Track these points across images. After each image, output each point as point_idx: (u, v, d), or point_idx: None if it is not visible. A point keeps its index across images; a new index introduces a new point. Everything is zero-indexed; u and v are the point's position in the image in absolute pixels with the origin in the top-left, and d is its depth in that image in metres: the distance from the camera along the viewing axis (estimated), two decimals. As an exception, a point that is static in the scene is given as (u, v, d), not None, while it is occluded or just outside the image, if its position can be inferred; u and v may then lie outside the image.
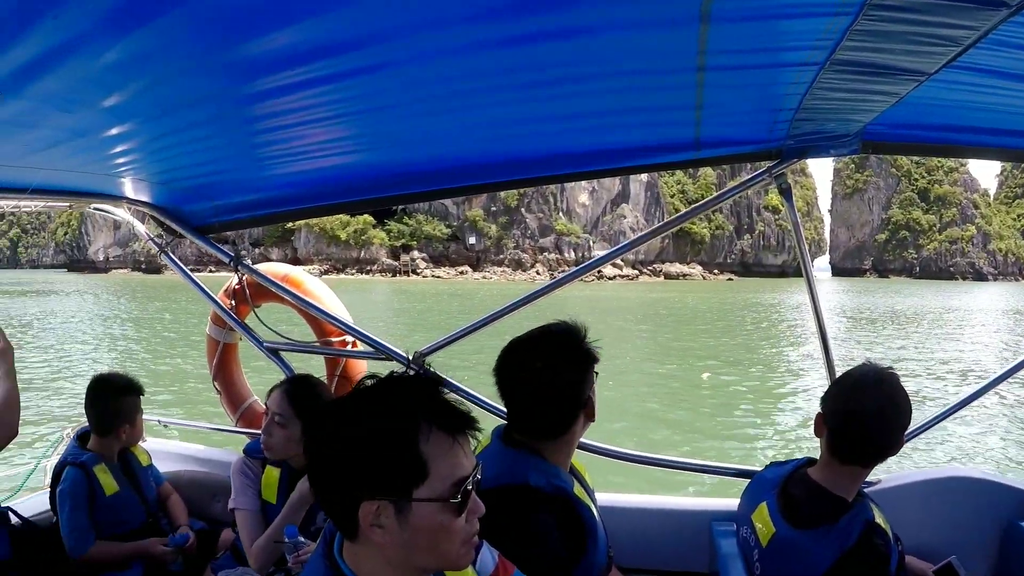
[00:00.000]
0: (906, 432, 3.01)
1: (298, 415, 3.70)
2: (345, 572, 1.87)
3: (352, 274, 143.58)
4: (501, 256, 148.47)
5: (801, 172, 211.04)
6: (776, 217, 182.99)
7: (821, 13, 2.02)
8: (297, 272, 5.56)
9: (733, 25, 2.19)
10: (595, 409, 2.93)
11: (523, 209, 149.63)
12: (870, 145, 3.53)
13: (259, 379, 6.31)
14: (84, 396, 4.62)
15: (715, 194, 4.14)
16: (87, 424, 4.69)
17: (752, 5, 2.07)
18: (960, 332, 44.48)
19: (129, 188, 4.65)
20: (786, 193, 3.77)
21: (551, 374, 2.80)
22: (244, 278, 5.37)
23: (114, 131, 3.19)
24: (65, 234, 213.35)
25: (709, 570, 4.00)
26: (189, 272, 5.30)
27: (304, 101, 2.86)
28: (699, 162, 3.92)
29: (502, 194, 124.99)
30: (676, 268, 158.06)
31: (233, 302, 5.57)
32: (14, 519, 4.21)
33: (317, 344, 5.46)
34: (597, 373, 2.93)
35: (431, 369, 4.41)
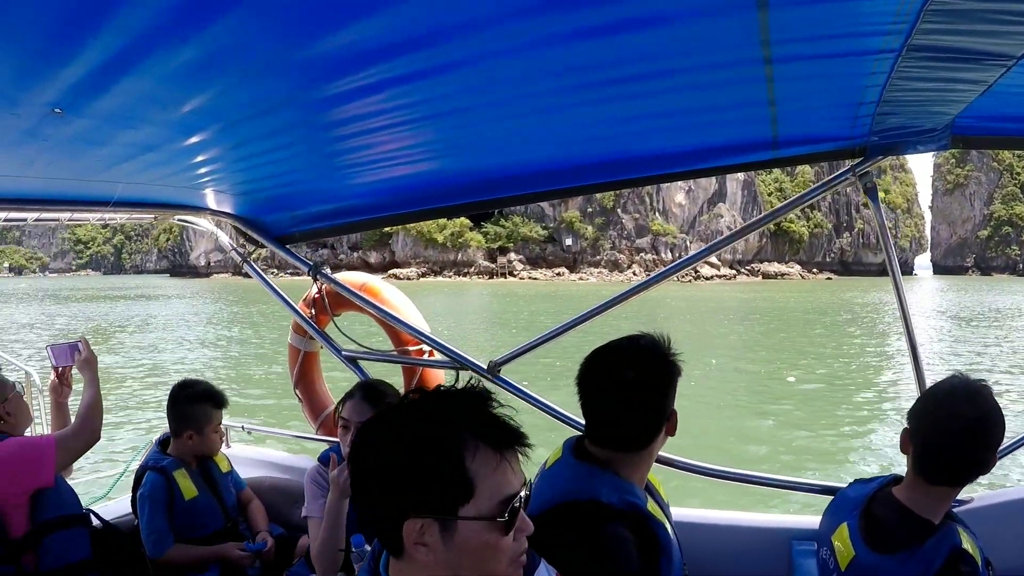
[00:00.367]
0: (1000, 449, 2.79)
1: None
2: None
3: (449, 276, 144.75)
4: (598, 257, 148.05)
5: (901, 168, 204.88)
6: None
7: None
8: (375, 281, 5.57)
9: (794, 10, 2.04)
10: (677, 423, 2.80)
11: (619, 210, 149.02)
12: (960, 139, 3.29)
13: (338, 388, 6.35)
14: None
15: (797, 195, 3.95)
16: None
17: None
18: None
19: (211, 199, 4.73)
20: (871, 193, 3.53)
21: (638, 386, 2.69)
22: (323, 287, 5.43)
23: (187, 143, 3.22)
24: (167, 240, 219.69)
25: None
26: (271, 282, 5.34)
27: (380, 105, 2.80)
28: (778, 162, 3.72)
29: (598, 195, 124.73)
30: (774, 268, 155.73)
31: (313, 311, 5.61)
32: (95, 521, 4.27)
33: (394, 353, 5.42)
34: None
35: (506, 378, 4.36)
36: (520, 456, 1.84)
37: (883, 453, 15.84)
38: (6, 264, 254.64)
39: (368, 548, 3.17)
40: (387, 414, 1.83)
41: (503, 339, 37.68)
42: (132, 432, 16.39)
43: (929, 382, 3.51)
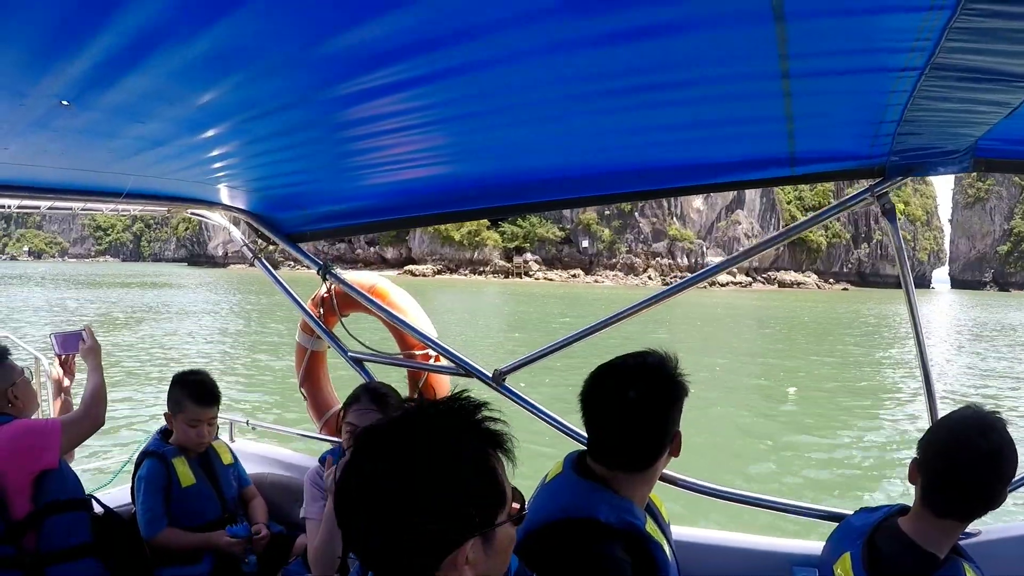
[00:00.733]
0: (1012, 482, 2.72)
1: None
2: None
3: (465, 275, 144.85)
4: (614, 260, 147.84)
5: (921, 179, 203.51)
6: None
7: (913, 7, 1.78)
8: (384, 283, 5.57)
9: (812, 23, 1.98)
10: (681, 444, 2.76)
11: (636, 214, 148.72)
12: (982, 162, 3.20)
13: (344, 388, 6.33)
14: None
15: (812, 214, 3.86)
16: None
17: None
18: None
19: (224, 195, 4.77)
20: (890, 215, 3.44)
21: (643, 406, 2.64)
22: (332, 287, 5.43)
23: (198, 139, 3.22)
24: (186, 230, 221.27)
25: None
26: (282, 280, 5.35)
27: (393, 107, 2.78)
28: (795, 179, 3.66)
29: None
30: (791, 276, 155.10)
31: (321, 311, 5.60)
32: (97, 507, 4.32)
33: (400, 357, 5.43)
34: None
35: (509, 387, 4.33)
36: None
37: (879, 476, 15.49)
38: (26, 248, 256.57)
39: None
40: (396, 439, 1.73)
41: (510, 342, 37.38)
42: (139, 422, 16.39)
43: (939, 401, 3.50)
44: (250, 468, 5.24)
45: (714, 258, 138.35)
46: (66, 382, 4.77)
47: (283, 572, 4.23)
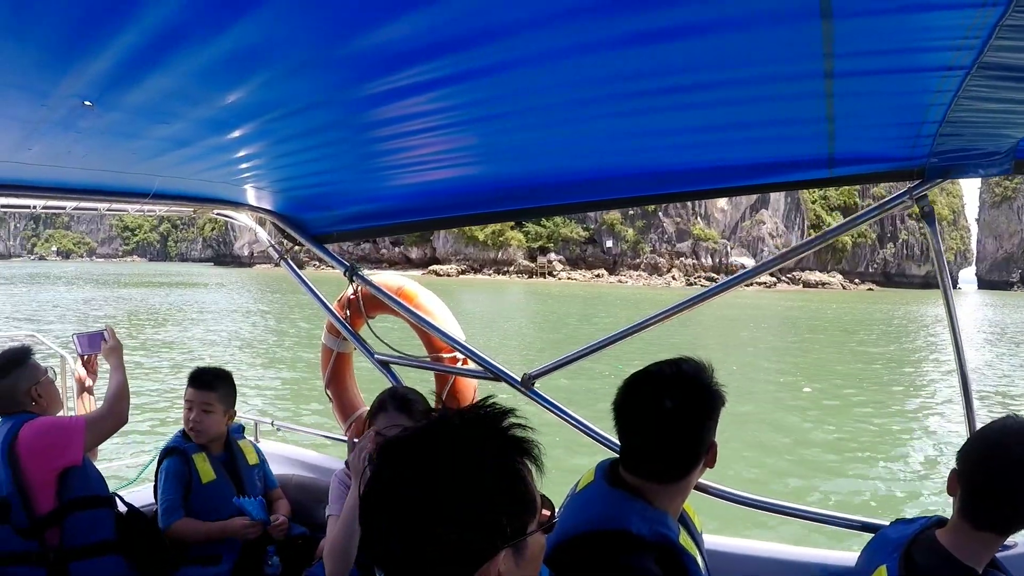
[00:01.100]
0: None
1: None
2: None
3: (489, 275, 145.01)
4: (637, 260, 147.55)
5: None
6: (920, 226, 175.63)
7: (964, 5, 1.73)
8: (411, 285, 5.51)
9: (860, 21, 1.92)
10: (716, 455, 2.69)
11: (660, 213, 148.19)
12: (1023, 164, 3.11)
13: (370, 390, 6.31)
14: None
15: (850, 217, 3.76)
16: None
17: None
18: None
19: (250, 195, 4.77)
20: (928, 217, 3.35)
21: (679, 415, 2.57)
22: (359, 289, 5.41)
23: (223, 140, 3.22)
24: (212, 230, 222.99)
25: None
26: (308, 281, 5.35)
27: (420, 107, 2.75)
28: (832, 181, 3.57)
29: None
30: (816, 276, 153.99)
31: (347, 312, 5.58)
32: (121, 506, 4.36)
33: (428, 360, 5.37)
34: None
35: (539, 391, 4.27)
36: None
37: (917, 483, 14.67)
38: (54, 248, 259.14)
39: None
40: (419, 448, 1.68)
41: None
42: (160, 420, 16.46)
43: (977, 403, 3.38)
44: (275, 469, 5.23)
45: (738, 258, 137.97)
46: (89, 382, 4.82)
47: (306, 574, 4.21)
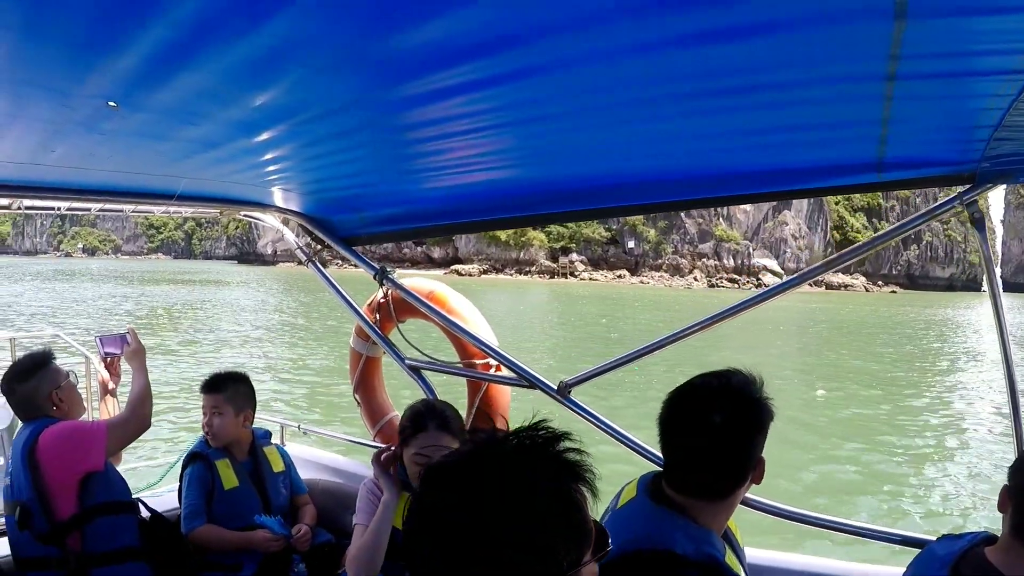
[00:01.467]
0: None
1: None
2: None
3: (511, 275, 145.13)
4: (659, 261, 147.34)
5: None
6: (945, 227, 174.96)
7: None
8: (443, 289, 5.45)
9: (932, 22, 1.84)
10: (764, 471, 2.57)
11: (683, 214, 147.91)
12: None
13: (397, 395, 6.27)
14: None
15: (899, 222, 3.63)
16: None
17: None
18: None
19: (278, 197, 4.72)
20: (979, 224, 3.23)
21: (727, 431, 2.46)
22: (389, 293, 5.36)
23: (252, 142, 3.17)
24: (236, 228, 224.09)
25: None
26: (337, 285, 5.30)
27: (459, 109, 2.69)
28: (880, 186, 3.43)
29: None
30: (838, 279, 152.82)
31: (377, 316, 5.54)
32: (144, 511, 4.37)
33: (460, 366, 5.28)
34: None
35: (576, 400, 4.17)
36: None
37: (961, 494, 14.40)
38: (80, 245, 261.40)
39: None
40: (466, 472, 1.59)
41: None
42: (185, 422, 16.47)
43: None
44: (301, 473, 5.19)
45: (760, 260, 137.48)
46: (111, 384, 4.80)
47: None
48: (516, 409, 4.99)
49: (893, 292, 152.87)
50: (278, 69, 2.26)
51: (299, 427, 6.06)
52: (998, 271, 3.52)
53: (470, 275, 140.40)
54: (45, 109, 2.60)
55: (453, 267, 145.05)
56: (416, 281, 5.43)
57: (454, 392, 4.17)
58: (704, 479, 2.51)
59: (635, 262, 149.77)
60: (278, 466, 4.91)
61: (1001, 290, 3.34)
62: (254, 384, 4.85)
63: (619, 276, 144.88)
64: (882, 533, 3.62)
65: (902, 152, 3.07)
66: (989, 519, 12.21)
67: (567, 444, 1.63)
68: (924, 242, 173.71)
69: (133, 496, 4.30)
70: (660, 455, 2.64)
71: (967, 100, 2.44)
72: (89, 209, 4.60)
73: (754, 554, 3.54)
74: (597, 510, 1.68)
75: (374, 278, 5.15)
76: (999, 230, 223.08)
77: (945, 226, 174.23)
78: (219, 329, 38.51)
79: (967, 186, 3.21)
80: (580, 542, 1.56)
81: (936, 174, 3.25)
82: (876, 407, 23.15)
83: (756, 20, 1.90)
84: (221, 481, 4.57)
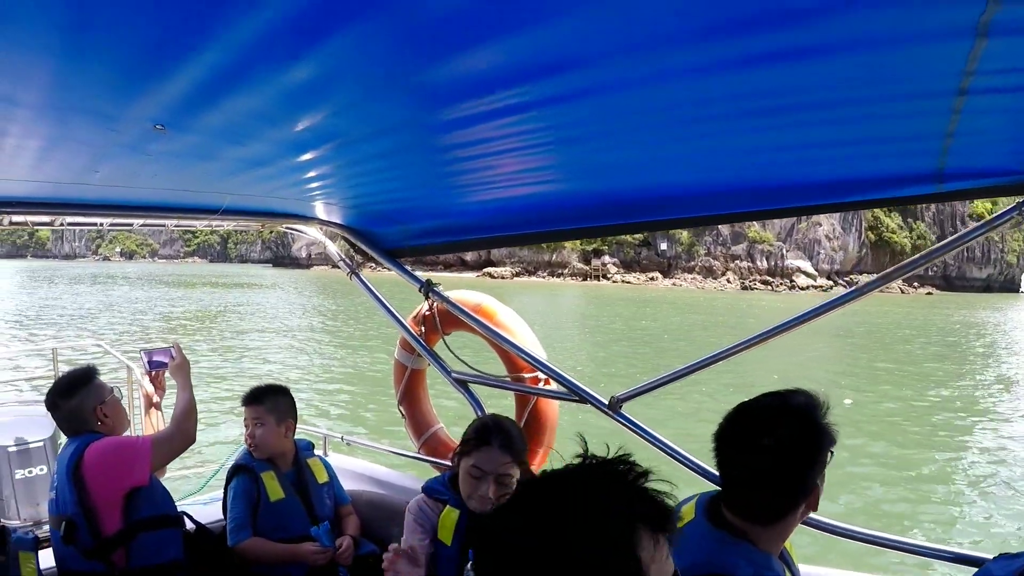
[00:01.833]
0: None
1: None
2: None
3: (543, 277, 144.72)
4: (692, 263, 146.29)
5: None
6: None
7: None
8: (490, 302, 5.42)
9: (1012, 39, 1.80)
10: (819, 498, 2.49)
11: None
12: None
13: (442, 407, 6.27)
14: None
15: (956, 235, 3.54)
16: None
17: None
18: None
19: (320, 210, 4.76)
20: None
21: (778, 455, 2.40)
22: (435, 305, 5.36)
23: (299, 160, 3.19)
24: (271, 233, 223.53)
25: None
26: (381, 297, 5.31)
27: (504, 130, 2.69)
28: (939, 197, 3.38)
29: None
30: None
31: (423, 328, 5.53)
32: (189, 524, 4.40)
33: (508, 379, 5.25)
34: (832, 453, 2.48)
35: (627, 415, 4.13)
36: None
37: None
38: (118, 249, 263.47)
39: None
40: (547, 498, 1.53)
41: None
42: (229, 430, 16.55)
43: None
44: (344, 484, 5.20)
45: (794, 261, 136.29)
46: (156, 398, 4.82)
47: None
48: (566, 423, 4.99)
49: (929, 293, 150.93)
50: (328, 92, 2.28)
51: (342, 438, 6.06)
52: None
53: (502, 278, 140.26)
54: (91, 133, 2.63)
55: (485, 270, 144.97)
56: (462, 294, 5.42)
57: (500, 406, 4.14)
58: (754, 503, 2.47)
59: (667, 264, 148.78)
60: (322, 477, 4.92)
61: (1000, 267, 3.25)
62: (295, 396, 4.88)
63: (651, 278, 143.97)
64: (936, 551, 3.56)
65: (963, 163, 3.02)
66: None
67: (652, 484, 1.58)
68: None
69: (179, 510, 4.33)
70: (715, 472, 2.60)
71: None
72: (132, 224, 4.65)
73: (808, 571, 3.48)
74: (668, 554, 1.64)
75: (419, 290, 5.16)
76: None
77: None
78: (253, 335, 38.75)
79: None
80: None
81: (996, 184, 3.20)
82: (920, 417, 22.70)
83: (827, 41, 1.88)
84: (267, 493, 4.59)
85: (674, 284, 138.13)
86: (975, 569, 3.04)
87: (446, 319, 5.40)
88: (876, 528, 3.72)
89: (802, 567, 2.95)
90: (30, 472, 6.61)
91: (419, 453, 6.02)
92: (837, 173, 3.29)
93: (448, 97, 2.35)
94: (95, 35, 1.73)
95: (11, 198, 3.91)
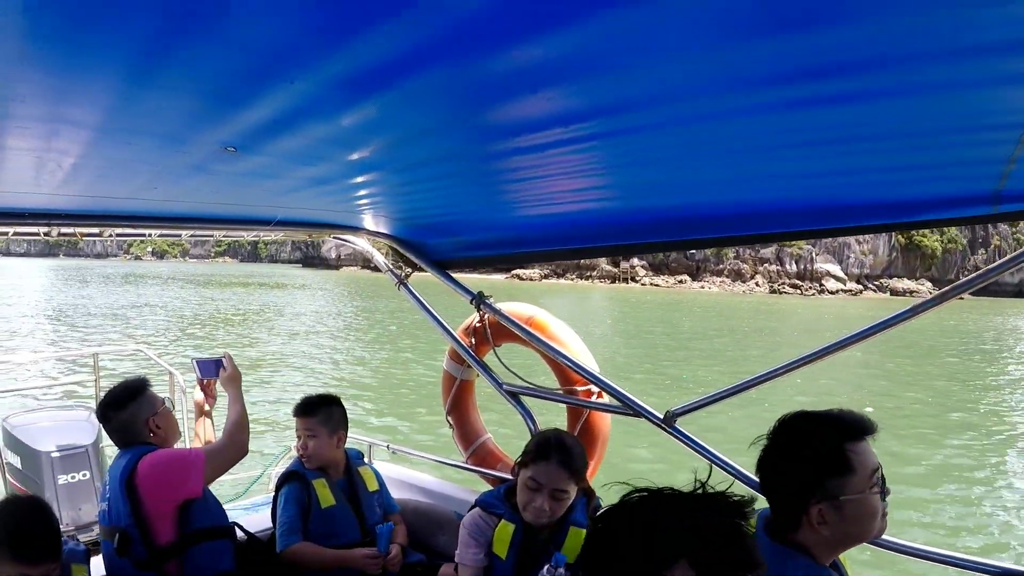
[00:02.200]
0: None
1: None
2: None
3: (572, 279, 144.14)
4: (720, 266, 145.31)
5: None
6: (1014, 230, 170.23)
7: None
8: (542, 315, 5.43)
9: None
10: (829, 522, 2.43)
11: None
12: None
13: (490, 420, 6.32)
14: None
15: (1012, 255, 3.46)
16: None
17: None
18: None
19: (369, 221, 4.79)
20: None
21: (777, 469, 2.50)
22: (486, 317, 5.36)
23: (356, 179, 3.26)
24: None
25: None
26: (430, 308, 5.32)
27: (551, 159, 2.74)
28: (993, 218, 3.35)
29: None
30: (903, 284, 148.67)
31: (473, 340, 5.54)
32: (240, 534, 4.42)
33: (560, 392, 5.23)
34: (887, 489, 2.47)
35: (682, 430, 4.11)
36: None
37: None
38: (150, 249, 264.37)
39: (562, 571, 3.16)
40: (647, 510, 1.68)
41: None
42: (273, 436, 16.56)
43: None
44: (391, 492, 5.20)
45: (823, 265, 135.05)
46: (206, 407, 4.86)
47: None
48: (619, 434, 4.95)
49: (960, 298, 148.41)
50: (397, 123, 2.35)
51: (388, 447, 6.08)
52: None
53: (531, 279, 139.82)
54: (157, 154, 2.66)
55: (514, 272, 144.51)
56: (514, 306, 5.42)
57: (551, 419, 4.15)
58: (775, 513, 2.54)
59: (696, 267, 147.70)
60: (372, 485, 4.94)
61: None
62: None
63: (680, 281, 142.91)
64: (983, 565, 3.47)
65: (1020, 186, 2.97)
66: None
67: (750, 513, 1.71)
68: (992, 247, 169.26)
69: (229, 521, 4.35)
70: None
71: None
72: (180, 235, 4.70)
73: None
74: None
75: (471, 303, 5.17)
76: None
77: (1015, 230, 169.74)
78: (286, 339, 38.59)
79: None
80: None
81: None
82: (954, 430, 22.49)
83: (897, 85, 1.90)
84: (318, 499, 4.61)
85: (702, 287, 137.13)
86: None
87: (497, 331, 5.41)
88: (922, 541, 3.71)
89: None
90: (73, 477, 6.72)
91: (467, 463, 6.04)
92: (891, 195, 3.30)
93: (505, 132, 2.43)
94: (178, 65, 1.76)
95: (62, 211, 3.96)
